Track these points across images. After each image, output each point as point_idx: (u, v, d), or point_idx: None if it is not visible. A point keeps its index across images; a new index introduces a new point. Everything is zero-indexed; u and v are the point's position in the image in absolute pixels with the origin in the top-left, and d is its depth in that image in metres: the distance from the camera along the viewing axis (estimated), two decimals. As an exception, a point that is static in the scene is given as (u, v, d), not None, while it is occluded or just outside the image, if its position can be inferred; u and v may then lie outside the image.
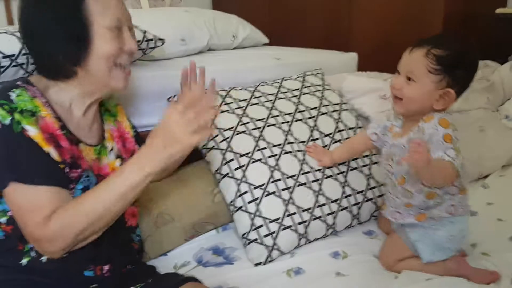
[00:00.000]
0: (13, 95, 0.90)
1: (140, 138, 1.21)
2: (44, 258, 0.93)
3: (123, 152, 1.12)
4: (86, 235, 0.91)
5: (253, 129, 1.39)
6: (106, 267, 1.00)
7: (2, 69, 1.13)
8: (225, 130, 1.38)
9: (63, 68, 0.95)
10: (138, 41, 1.36)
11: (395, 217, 1.24)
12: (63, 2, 0.92)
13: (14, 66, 1.13)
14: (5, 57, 1.11)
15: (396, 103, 1.18)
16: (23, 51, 1.12)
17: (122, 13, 0.99)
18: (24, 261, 0.93)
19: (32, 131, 0.88)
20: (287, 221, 1.29)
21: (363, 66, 2.09)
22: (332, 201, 1.38)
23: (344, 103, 1.63)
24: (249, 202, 1.29)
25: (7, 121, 0.87)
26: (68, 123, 0.97)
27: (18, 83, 0.94)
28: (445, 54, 1.09)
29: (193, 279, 1.03)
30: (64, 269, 0.94)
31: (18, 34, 1.13)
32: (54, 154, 0.91)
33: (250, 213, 1.29)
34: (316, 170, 1.40)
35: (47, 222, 0.87)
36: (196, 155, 1.43)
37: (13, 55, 1.12)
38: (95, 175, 1.01)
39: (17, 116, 0.88)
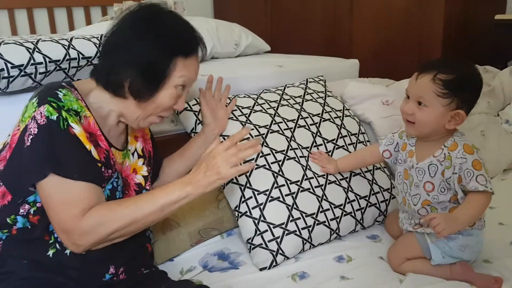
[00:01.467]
0: (60, 93, 0.95)
1: (155, 140, 1.28)
2: (68, 251, 0.96)
3: (146, 151, 1.18)
4: (116, 236, 0.95)
5: (256, 135, 1.41)
6: (121, 269, 1.02)
7: (11, 79, 1.15)
8: (229, 137, 1.39)
9: (121, 90, 1.01)
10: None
11: (416, 228, 1.26)
12: (161, 45, 0.99)
13: (22, 76, 1.16)
14: (14, 67, 1.14)
15: (409, 126, 1.23)
16: (32, 61, 1.15)
17: (194, 77, 1.08)
18: (51, 252, 0.96)
19: (77, 129, 0.93)
20: (291, 226, 1.31)
21: (365, 72, 2.12)
22: (336, 206, 1.39)
23: (347, 109, 1.65)
24: (253, 208, 1.31)
25: (54, 117, 0.91)
26: (102, 128, 1.02)
27: (63, 84, 0.99)
28: (451, 78, 1.15)
29: (204, 287, 1.05)
30: (87, 266, 0.97)
31: (26, 44, 1.16)
32: (94, 152, 0.96)
33: (254, 218, 1.30)
34: (320, 176, 1.42)
35: (83, 216, 0.91)
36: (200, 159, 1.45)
37: (22, 65, 1.15)
38: (122, 178, 1.07)
39: (64, 113, 0.92)
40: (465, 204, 1.15)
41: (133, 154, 1.14)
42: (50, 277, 0.95)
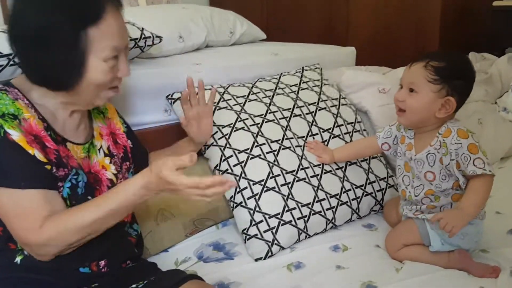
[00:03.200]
0: None
1: (133, 133, 1.20)
2: None
3: (113, 148, 1.11)
4: (79, 243, 0.92)
5: (251, 125, 1.39)
6: (102, 263, 0.99)
7: (0, 68, 1.13)
8: (223, 127, 1.38)
9: (51, 84, 0.94)
10: (136, 38, 1.37)
11: (417, 215, 1.26)
12: (63, 27, 0.88)
13: (11, 65, 1.13)
14: (2, 56, 1.11)
15: (400, 116, 1.24)
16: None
17: (121, 40, 0.96)
18: (18, 259, 0.92)
19: (15, 135, 0.87)
20: (287, 216, 1.30)
21: (362, 60, 2.10)
22: (332, 196, 1.38)
23: (343, 98, 1.64)
24: (249, 198, 1.30)
25: None
26: (53, 124, 0.96)
27: None
28: (442, 65, 1.16)
29: (195, 277, 1.03)
30: (58, 266, 0.94)
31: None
32: (39, 155, 0.89)
33: (249, 208, 1.29)
34: (315, 166, 1.40)
35: (39, 228, 0.86)
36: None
37: (10, 54, 1.12)
38: (86, 173, 1.00)
39: None
40: (467, 193, 1.15)
41: (99, 150, 1.07)
42: (26, 276, 0.93)
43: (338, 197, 1.39)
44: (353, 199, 1.42)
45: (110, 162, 1.08)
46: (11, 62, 1.13)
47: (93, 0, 0.91)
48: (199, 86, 1.26)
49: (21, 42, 0.92)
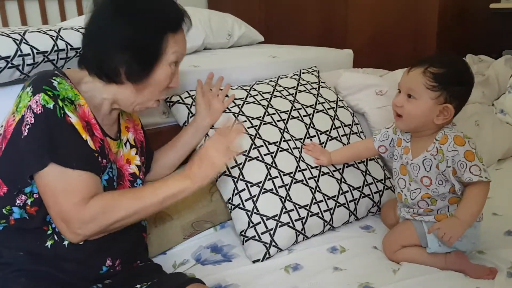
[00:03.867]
0: (55, 82, 0.94)
1: (145, 133, 1.26)
2: (66, 243, 0.95)
3: (137, 140, 1.18)
4: (116, 226, 0.95)
5: (249, 127, 1.40)
6: (117, 261, 1.02)
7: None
8: (221, 129, 1.39)
9: (117, 77, 0.99)
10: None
11: (414, 217, 1.26)
12: (149, 24, 0.98)
13: (9, 67, 1.14)
14: (0, 58, 1.12)
15: (397, 120, 1.24)
16: (19, 53, 1.13)
17: (185, 51, 1.07)
18: (49, 243, 0.95)
19: (74, 118, 0.92)
20: (285, 218, 1.30)
21: (359, 62, 2.10)
22: (329, 198, 1.38)
23: (340, 100, 1.64)
24: (247, 200, 1.30)
25: (51, 105, 0.90)
26: (96, 117, 1.01)
27: (56, 72, 0.97)
28: (441, 72, 1.15)
29: (196, 280, 1.04)
30: (84, 258, 0.96)
31: (13, 36, 1.14)
32: (90, 142, 0.95)
33: (247, 210, 1.29)
34: (313, 167, 1.41)
35: (84, 204, 0.90)
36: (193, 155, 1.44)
37: (8, 57, 1.13)
38: (117, 168, 1.06)
39: (60, 102, 0.91)
40: (464, 201, 1.16)
41: (125, 144, 1.13)
42: (45, 269, 0.94)
43: (335, 199, 1.39)
44: (350, 201, 1.42)
45: (136, 153, 1.14)
46: (10, 65, 1.13)
47: (178, 13, 1.04)
48: (219, 79, 1.46)
49: (101, 35, 0.98)
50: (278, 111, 1.48)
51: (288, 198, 1.32)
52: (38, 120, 0.88)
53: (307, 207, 1.34)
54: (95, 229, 0.93)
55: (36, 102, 0.89)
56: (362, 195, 1.45)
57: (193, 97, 1.43)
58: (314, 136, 1.48)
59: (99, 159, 0.97)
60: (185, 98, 1.44)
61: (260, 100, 1.50)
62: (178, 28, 1.04)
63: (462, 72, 1.19)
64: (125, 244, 1.04)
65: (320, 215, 1.35)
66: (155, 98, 1.06)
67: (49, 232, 0.95)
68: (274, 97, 1.53)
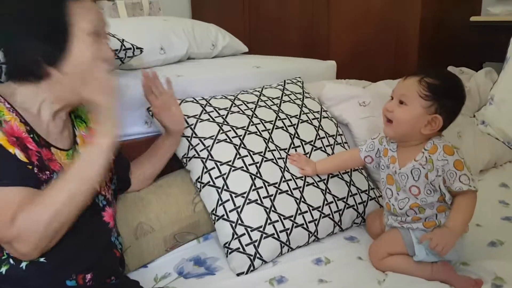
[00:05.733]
0: None
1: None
2: (23, 265, 0.90)
3: None
4: (55, 226, 0.88)
5: (233, 137, 1.38)
6: (88, 276, 0.97)
7: None
8: (205, 139, 1.37)
9: (36, 67, 0.94)
10: (116, 50, 1.35)
11: (402, 225, 1.26)
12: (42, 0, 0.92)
13: None
14: None
15: (386, 126, 1.25)
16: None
17: (101, 20, 1.00)
18: (3, 269, 0.89)
19: None
20: (269, 229, 1.28)
21: (342, 74, 2.12)
22: (314, 209, 1.37)
23: (324, 111, 1.64)
24: (231, 211, 1.28)
25: None
26: (37, 128, 0.96)
27: None
28: (436, 83, 1.17)
29: None
30: (46, 276, 0.91)
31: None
32: (20, 155, 0.89)
33: (231, 221, 1.27)
34: (298, 178, 1.40)
35: (13, 221, 0.84)
36: (176, 164, 1.42)
37: None
38: None
39: None
40: (454, 211, 1.17)
41: None
42: None
43: (320, 209, 1.38)
44: (335, 212, 1.41)
45: None
46: None
47: None
48: (153, 76, 1.34)
49: (5, 26, 0.93)
50: (263, 121, 1.47)
51: (273, 208, 1.31)
52: None
53: (292, 218, 1.32)
54: (36, 240, 0.86)
55: None
56: (347, 205, 1.44)
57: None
58: (299, 146, 1.48)
59: (35, 171, 0.91)
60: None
61: (245, 110, 1.48)
62: None
63: (456, 88, 1.21)
64: (92, 256, 0.98)
65: (305, 226, 1.34)
66: (94, 75, 0.97)
67: (3, 257, 0.90)
68: (258, 107, 1.52)
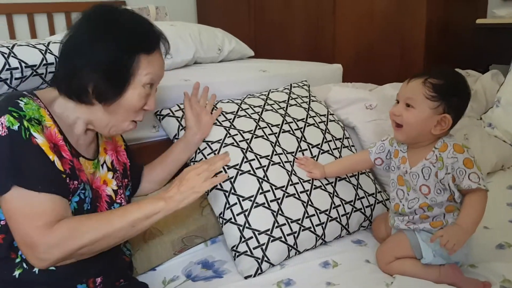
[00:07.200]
0: (21, 103, 0.92)
1: (130, 152, 1.23)
2: (36, 269, 0.92)
3: (116, 164, 1.14)
4: (85, 251, 0.91)
5: (240, 141, 1.39)
6: (98, 280, 0.99)
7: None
8: (212, 143, 1.38)
9: (85, 95, 0.98)
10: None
11: (408, 226, 1.26)
12: (121, 44, 0.96)
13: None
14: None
15: (396, 131, 1.24)
16: (7, 67, 1.12)
17: (160, 73, 1.06)
18: (17, 273, 0.91)
19: (40, 139, 0.90)
20: (277, 233, 1.29)
21: (348, 77, 2.12)
22: (321, 212, 1.38)
23: (331, 114, 1.65)
24: (238, 214, 1.29)
25: (15, 127, 0.88)
26: (69, 137, 0.99)
27: (25, 92, 0.96)
28: (441, 83, 1.17)
29: None
30: (57, 281, 0.93)
31: (1, 49, 1.13)
32: (58, 163, 0.92)
33: (239, 225, 1.28)
34: (305, 181, 1.40)
35: (49, 228, 0.87)
36: (183, 169, 1.43)
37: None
38: (92, 189, 1.03)
39: (25, 123, 0.89)
40: (464, 209, 1.16)
41: (102, 166, 1.10)
42: None
43: (327, 213, 1.39)
44: (342, 215, 1.41)
45: (113, 177, 1.11)
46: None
47: (152, 35, 1.03)
48: (204, 90, 1.42)
49: (72, 52, 0.97)
50: (270, 125, 1.48)
51: (280, 212, 1.31)
52: (2, 143, 0.87)
53: (299, 221, 1.33)
54: (61, 254, 0.89)
55: (1, 124, 0.87)
56: (354, 209, 1.44)
57: (183, 110, 1.41)
58: (306, 149, 1.48)
59: (67, 181, 0.94)
60: (175, 111, 1.43)
61: (252, 113, 1.49)
62: (152, 49, 1.02)
63: (460, 85, 1.21)
64: (102, 264, 1.00)
65: (312, 229, 1.34)
66: (129, 119, 1.04)
67: (17, 260, 0.92)
68: (265, 110, 1.53)
